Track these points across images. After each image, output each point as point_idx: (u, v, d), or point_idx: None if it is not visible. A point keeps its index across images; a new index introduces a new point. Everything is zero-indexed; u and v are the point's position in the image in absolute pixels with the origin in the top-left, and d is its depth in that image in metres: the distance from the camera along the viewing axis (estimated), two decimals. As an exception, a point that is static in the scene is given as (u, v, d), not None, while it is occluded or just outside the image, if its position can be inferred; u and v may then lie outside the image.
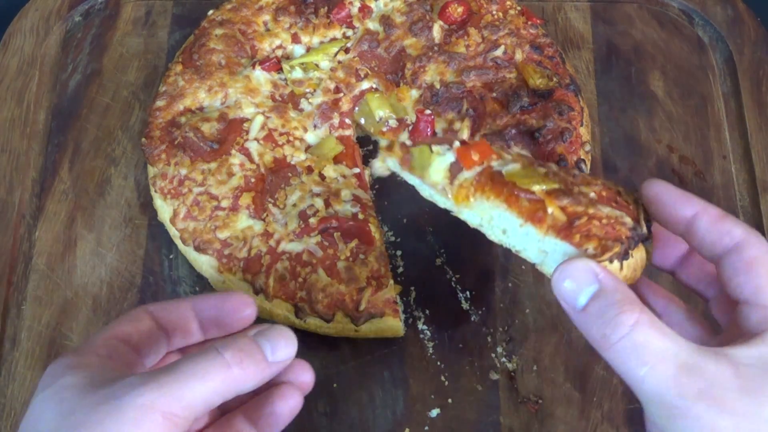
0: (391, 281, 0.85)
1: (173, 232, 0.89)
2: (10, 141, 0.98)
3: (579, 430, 0.82)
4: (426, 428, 0.82)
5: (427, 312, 0.88)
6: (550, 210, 0.59)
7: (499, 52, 0.97)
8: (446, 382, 0.84)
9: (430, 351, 0.86)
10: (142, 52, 1.06)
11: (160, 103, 0.95)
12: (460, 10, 1.00)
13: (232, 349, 0.57)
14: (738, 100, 1.02)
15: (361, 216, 0.88)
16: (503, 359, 0.85)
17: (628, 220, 0.59)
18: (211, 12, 1.03)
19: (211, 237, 0.87)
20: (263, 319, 0.83)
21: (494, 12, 1.00)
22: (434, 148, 0.66)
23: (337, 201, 0.89)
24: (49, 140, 0.99)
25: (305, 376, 0.67)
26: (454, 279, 0.90)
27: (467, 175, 0.64)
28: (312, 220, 0.86)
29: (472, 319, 0.88)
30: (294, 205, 0.88)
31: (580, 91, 0.96)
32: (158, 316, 0.66)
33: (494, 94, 0.94)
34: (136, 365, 0.63)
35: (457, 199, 0.65)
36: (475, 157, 0.64)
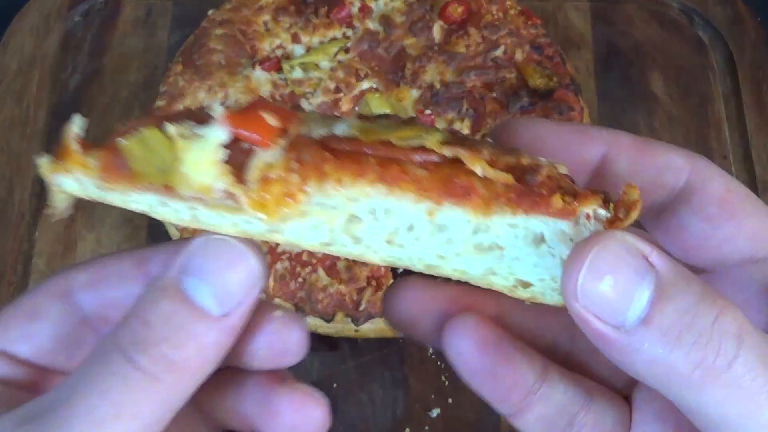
0: (391, 281, 0.85)
1: (173, 232, 0.89)
2: (10, 141, 0.98)
3: (579, 430, 0.82)
4: (426, 428, 0.82)
5: (427, 312, 0.88)
6: (478, 170, 0.34)
7: (499, 52, 0.97)
8: (446, 382, 0.84)
9: (430, 351, 0.86)
10: (142, 52, 1.06)
11: (160, 103, 0.95)
12: (460, 9, 1.00)
13: (151, 346, 0.33)
14: (738, 100, 1.02)
15: (360, 216, 0.88)
16: (503, 359, 0.85)
17: (564, 169, 0.37)
18: (211, 12, 1.03)
19: (211, 237, 0.86)
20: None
21: (494, 12, 1.00)
22: (170, 129, 0.36)
23: (337, 201, 0.88)
24: (49, 140, 0.99)
25: (312, 416, 0.40)
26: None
27: (269, 157, 0.35)
28: (312, 220, 0.86)
29: (472, 319, 0.88)
30: (294, 205, 0.88)
31: (580, 91, 0.96)
32: (82, 301, 0.39)
33: (494, 94, 0.95)
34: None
35: (266, 206, 0.35)
36: (273, 121, 0.36)
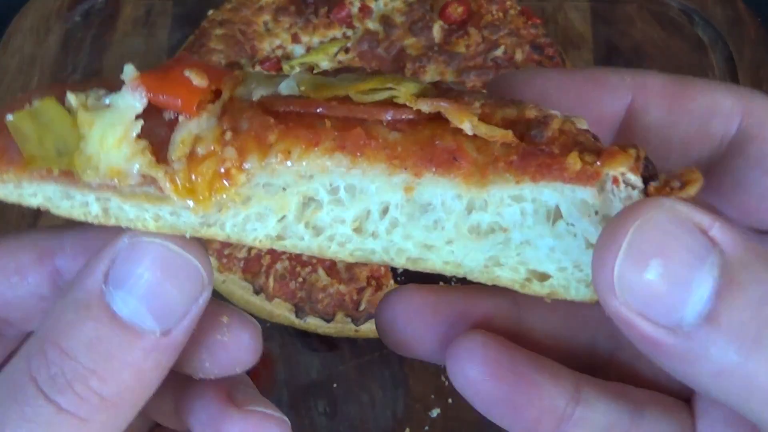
0: (392, 281, 0.85)
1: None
2: (10, 141, 0.98)
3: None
4: (426, 428, 0.82)
5: (427, 312, 0.88)
6: (467, 127, 0.26)
7: (499, 52, 0.97)
8: (446, 382, 0.84)
9: (430, 351, 0.86)
10: (142, 52, 1.06)
11: (160, 103, 0.95)
12: (460, 9, 1.00)
13: (75, 381, 0.26)
14: (738, 100, 1.02)
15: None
16: (503, 359, 0.85)
17: (584, 123, 0.28)
18: (211, 12, 1.03)
19: (211, 237, 0.86)
20: (262, 319, 0.83)
21: (494, 12, 1.00)
22: (71, 99, 0.28)
23: (337, 201, 0.88)
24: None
25: None
26: (454, 279, 0.90)
27: (197, 127, 0.27)
28: (312, 220, 0.86)
29: (472, 319, 0.88)
30: (294, 205, 0.88)
31: (580, 91, 0.97)
32: None
33: (494, 94, 0.95)
34: None
35: (196, 192, 0.27)
36: (199, 81, 0.28)
